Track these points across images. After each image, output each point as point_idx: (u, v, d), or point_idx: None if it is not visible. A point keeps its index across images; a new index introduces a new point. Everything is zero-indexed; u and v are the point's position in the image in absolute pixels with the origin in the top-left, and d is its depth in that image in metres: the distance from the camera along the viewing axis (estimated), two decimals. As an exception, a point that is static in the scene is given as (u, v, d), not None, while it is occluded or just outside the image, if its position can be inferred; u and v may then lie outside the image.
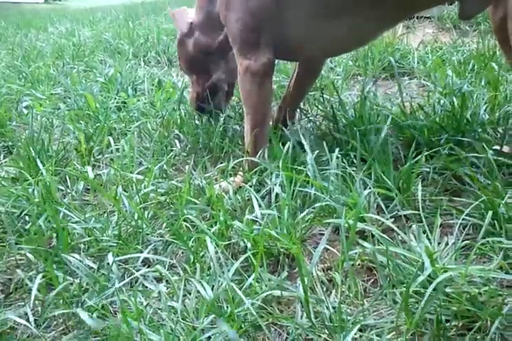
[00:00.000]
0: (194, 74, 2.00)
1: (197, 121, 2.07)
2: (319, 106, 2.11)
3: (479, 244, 1.11)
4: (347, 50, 2.11)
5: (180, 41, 1.94)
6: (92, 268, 1.26)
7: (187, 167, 1.60)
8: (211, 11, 1.75)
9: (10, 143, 2.18)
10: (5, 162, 2.00)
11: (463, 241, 1.15)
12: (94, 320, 1.07)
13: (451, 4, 3.42)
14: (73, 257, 1.26)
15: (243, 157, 1.63)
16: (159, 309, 1.10)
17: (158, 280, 1.23)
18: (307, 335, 1.00)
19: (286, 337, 1.01)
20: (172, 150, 1.90)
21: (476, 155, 1.45)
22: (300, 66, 1.90)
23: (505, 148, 1.57)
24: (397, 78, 2.46)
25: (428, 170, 1.48)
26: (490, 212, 1.17)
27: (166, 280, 1.20)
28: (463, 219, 1.20)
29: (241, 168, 1.63)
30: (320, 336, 0.98)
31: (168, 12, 1.96)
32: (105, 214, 1.48)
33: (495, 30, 1.58)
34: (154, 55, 3.75)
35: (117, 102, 2.50)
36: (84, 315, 1.06)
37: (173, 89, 2.55)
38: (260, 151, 1.59)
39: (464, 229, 1.22)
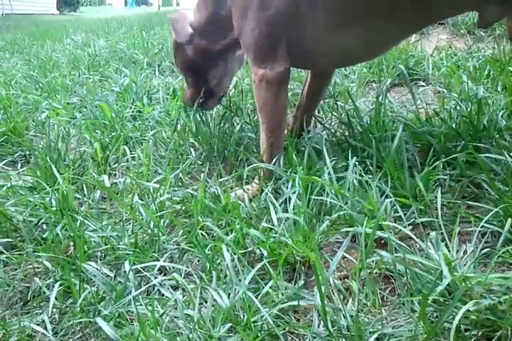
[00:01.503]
0: (189, 77, 2.01)
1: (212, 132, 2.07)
2: (334, 114, 2.10)
3: (499, 251, 1.10)
4: (361, 60, 2.10)
5: (177, 44, 1.93)
6: (109, 276, 1.26)
7: (202, 175, 1.60)
8: (214, 14, 1.74)
9: (27, 153, 2.21)
10: (22, 171, 2.03)
11: (482, 249, 1.13)
12: (111, 328, 1.07)
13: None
14: (90, 265, 1.26)
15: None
16: (176, 317, 1.10)
17: (175, 288, 1.23)
18: (324, 344, 0.99)
19: (304, 346, 1.01)
20: (187, 159, 1.90)
21: (496, 157, 1.44)
22: (312, 73, 1.90)
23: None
24: (409, 85, 2.45)
25: (445, 177, 1.47)
26: (509, 220, 1.15)
27: (183, 289, 1.20)
28: (482, 226, 1.19)
29: (256, 176, 1.63)
30: (338, 345, 0.97)
31: (170, 20, 1.95)
32: (121, 223, 1.48)
33: (511, 38, 1.55)
34: (169, 64, 3.78)
35: (133, 111, 2.52)
36: (103, 324, 1.06)
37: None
38: (275, 159, 1.59)
39: (482, 237, 1.20)
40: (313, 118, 2.03)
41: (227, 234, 1.33)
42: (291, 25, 1.53)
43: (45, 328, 1.12)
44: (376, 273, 1.17)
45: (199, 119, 2.09)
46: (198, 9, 1.82)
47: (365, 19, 1.50)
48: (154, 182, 1.68)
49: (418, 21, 1.55)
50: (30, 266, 1.36)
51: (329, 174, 1.45)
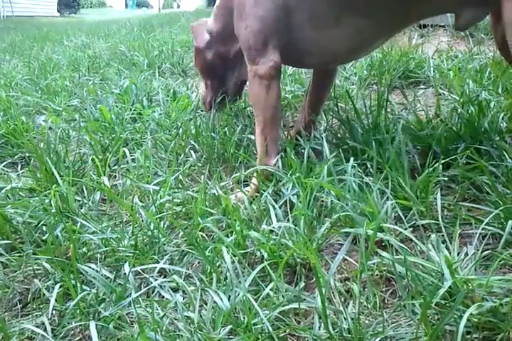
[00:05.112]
0: (209, 80, 2.09)
1: (212, 134, 2.07)
2: (334, 116, 2.10)
3: (500, 254, 1.09)
4: (354, 57, 2.08)
5: (197, 50, 2.01)
6: (109, 278, 1.26)
7: (202, 177, 1.60)
8: (228, 21, 1.77)
9: (27, 154, 2.21)
10: (22, 173, 2.02)
11: (483, 251, 1.12)
12: (109, 330, 1.07)
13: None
14: (90, 267, 1.26)
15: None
16: (176, 319, 1.09)
17: (175, 290, 1.22)
18: (325, 347, 0.98)
19: (304, 349, 1.00)
20: (187, 161, 1.90)
21: (496, 159, 1.44)
22: (314, 74, 1.91)
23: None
24: (402, 91, 2.44)
25: (446, 179, 1.47)
26: (510, 222, 1.15)
27: (183, 291, 1.19)
28: (482, 228, 1.18)
29: (254, 176, 1.63)
30: (338, 347, 0.97)
31: (191, 28, 2.08)
32: (121, 225, 1.48)
33: (499, 49, 1.53)
34: (169, 66, 3.78)
35: (133, 113, 2.52)
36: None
37: (187, 99, 2.56)
38: (274, 160, 1.59)
39: (483, 239, 1.20)
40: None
41: (227, 236, 1.33)
42: (282, 22, 1.56)
43: (45, 330, 1.11)
44: (377, 275, 1.16)
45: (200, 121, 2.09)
46: (216, 17, 1.88)
47: (352, 17, 1.52)
48: (154, 184, 1.67)
49: (397, 22, 1.58)
50: (30, 268, 1.35)
51: (329, 176, 1.44)
